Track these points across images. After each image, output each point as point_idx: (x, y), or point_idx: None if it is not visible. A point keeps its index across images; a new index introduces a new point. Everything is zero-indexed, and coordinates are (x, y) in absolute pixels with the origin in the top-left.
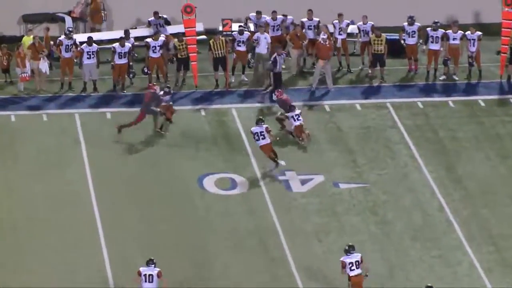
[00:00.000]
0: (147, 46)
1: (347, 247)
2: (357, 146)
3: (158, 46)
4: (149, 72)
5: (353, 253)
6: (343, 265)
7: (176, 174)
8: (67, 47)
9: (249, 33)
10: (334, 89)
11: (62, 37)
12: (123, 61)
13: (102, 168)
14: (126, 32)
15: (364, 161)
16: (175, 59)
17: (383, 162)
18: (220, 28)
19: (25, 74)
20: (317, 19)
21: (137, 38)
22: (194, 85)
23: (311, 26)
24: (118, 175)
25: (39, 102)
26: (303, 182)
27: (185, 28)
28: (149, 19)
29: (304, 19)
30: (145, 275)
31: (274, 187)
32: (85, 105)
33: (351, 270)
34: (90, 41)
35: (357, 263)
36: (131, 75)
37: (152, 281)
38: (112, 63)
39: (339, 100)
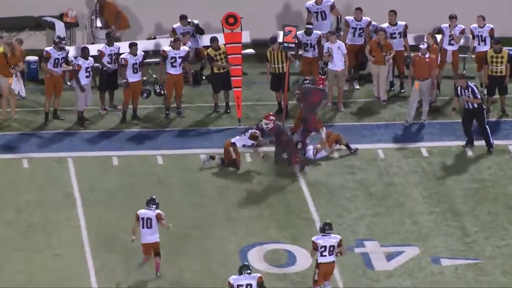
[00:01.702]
0: (163, 56)
1: (323, 226)
2: (466, 206)
3: (179, 57)
4: (164, 92)
5: (330, 233)
6: (315, 247)
7: (210, 244)
8: (56, 61)
9: (319, 33)
10: (428, 124)
11: (51, 47)
12: (137, 77)
13: (104, 235)
14: (108, 36)
15: (476, 228)
16: (203, 76)
17: (502, 229)
18: (280, 38)
19: None
20: (403, 23)
21: (156, 53)
22: (237, 118)
23: (395, 33)
24: (127, 245)
25: (16, 141)
26: (390, 257)
27: (226, 43)
28: (174, 26)
29: (385, 25)
30: (142, 218)
31: (349, 263)
32: (82, 145)
33: (321, 255)
34: (86, 53)
35: (331, 248)
36: (144, 94)
37: (150, 226)
38: (125, 81)
39: (442, 141)
